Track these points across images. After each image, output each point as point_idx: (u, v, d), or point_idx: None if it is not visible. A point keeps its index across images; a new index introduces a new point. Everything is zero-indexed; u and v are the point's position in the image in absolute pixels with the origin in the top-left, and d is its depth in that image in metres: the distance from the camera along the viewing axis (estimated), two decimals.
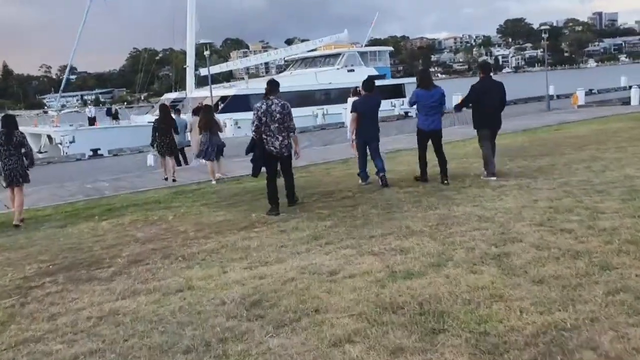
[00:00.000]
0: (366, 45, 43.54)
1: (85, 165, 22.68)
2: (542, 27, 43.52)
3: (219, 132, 12.40)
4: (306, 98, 33.65)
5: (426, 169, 8.76)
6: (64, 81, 35.27)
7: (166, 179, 12.15)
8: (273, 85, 7.71)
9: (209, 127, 12.01)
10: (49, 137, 30.02)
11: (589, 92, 34.62)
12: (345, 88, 35.37)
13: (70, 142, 28.30)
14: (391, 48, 46.90)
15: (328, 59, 39.39)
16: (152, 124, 13.10)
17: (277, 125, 7.45)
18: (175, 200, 9.30)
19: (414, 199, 7.42)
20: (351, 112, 9.15)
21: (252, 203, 8.36)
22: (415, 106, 8.92)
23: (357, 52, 39.34)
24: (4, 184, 8.59)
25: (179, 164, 14.06)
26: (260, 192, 9.32)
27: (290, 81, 35.11)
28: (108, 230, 7.35)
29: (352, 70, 37.40)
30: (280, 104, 7.52)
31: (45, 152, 30.16)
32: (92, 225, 7.78)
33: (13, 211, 8.64)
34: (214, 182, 11.88)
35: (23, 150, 8.60)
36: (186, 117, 16.85)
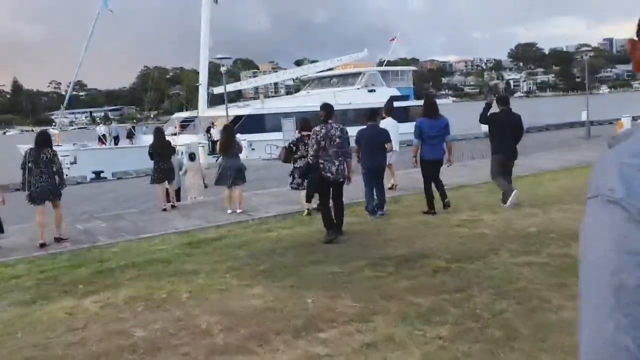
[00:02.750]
0: (385, 65, 41.44)
1: (85, 190, 20.38)
2: (582, 49, 41.24)
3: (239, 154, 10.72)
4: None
5: (433, 200, 8.63)
6: (67, 97, 33.07)
7: (165, 209, 10.99)
8: (329, 109, 7.68)
9: (228, 148, 10.38)
10: None
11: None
12: (366, 109, 33.23)
13: (72, 163, 26.03)
14: (414, 68, 44.83)
15: (347, 78, 37.28)
16: (148, 149, 11.51)
17: (335, 149, 7.33)
18: (190, 258, 6.87)
19: (552, 278, 4.93)
20: (354, 142, 9.04)
21: (298, 270, 5.93)
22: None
23: (379, 71, 37.20)
24: (27, 201, 8.53)
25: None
26: (302, 246, 6.93)
27: (307, 101, 32.97)
28: (92, 319, 4.92)
29: (373, 91, 35.24)
30: (339, 128, 7.47)
31: None
32: (71, 305, 5.34)
33: (39, 240, 8.34)
34: (229, 211, 10.10)
35: (54, 168, 8.50)
36: (182, 157, 14.89)
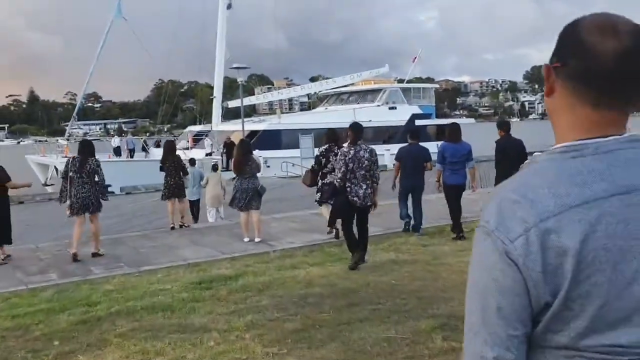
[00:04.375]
0: (407, 83, 40.14)
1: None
2: None
3: (257, 173, 9.25)
4: (343, 136, 30.02)
5: (460, 223, 8.52)
6: (77, 107, 32.10)
7: (173, 227, 10.36)
8: (358, 130, 7.22)
9: (242, 166, 9.00)
10: (56, 168, 26.72)
11: None
12: (386, 127, 31.81)
13: None
14: (437, 85, 43.52)
15: (367, 94, 36.02)
16: (159, 161, 11.03)
17: (363, 172, 6.95)
18: (199, 305, 5.43)
19: None
20: (395, 159, 9.31)
21: (341, 331, 4.47)
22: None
23: (400, 88, 35.91)
24: (68, 213, 8.16)
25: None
26: (341, 293, 5.50)
27: (325, 117, 31.72)
28: None
29: (394, 108, 33.93)
30: (368, 150, 7.08)
31: (52, 184, 26.84)
32: None
33: (69, 251, 8.13)
34: (246, 239, 8.85)
35: (96, 178, 8.16)
36: (201, 169, 13.96)
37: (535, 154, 1.04)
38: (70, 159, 8.42)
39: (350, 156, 6.91)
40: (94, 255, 8.14)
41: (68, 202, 8.12)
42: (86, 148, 8.41)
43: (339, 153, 7.28)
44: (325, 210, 8.80)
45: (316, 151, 10.97)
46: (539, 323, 0.92)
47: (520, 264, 0.89)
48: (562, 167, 0.94)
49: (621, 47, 0.92)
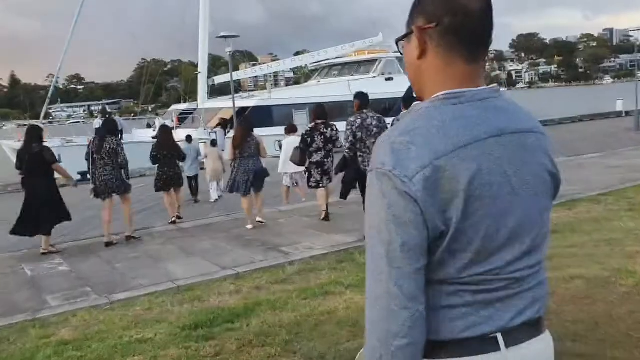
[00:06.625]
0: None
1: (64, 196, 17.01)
2: (584, 40, 37.72)
3: (260, 155, 8.31)
4: (338, 110, 27.92)
5: None
6: (51, 87, 29.68)
7: (173, 221, 9.15)
8: (364, 98, 7.14)
9: (242, 145, 8.09)
10: None
11: None
12: (383, 99, 29.82)
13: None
14: None
15: (361, 66, 33.98)
16: (151, 151, 9.45)
17: (373, 140, 6.56)
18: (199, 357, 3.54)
19: None
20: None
21: None
22: None
23: (396, 58, 33.78)
24: (92, 196, 7.91)
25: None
26: None
27: (319, 91, 29.68)
28: None
29: (391, 79, 31.93)
30: (376, 118, 6.98)
31: None
32: None
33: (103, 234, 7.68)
34: (249, 226, 8.06)
35: (119, 160, 7.70)
36: (198, 144, 13.00)
37: (415, 103, 1.10)
38: (92, 139, 8.06)
39: (357, 125, 6.78)
40: (128, 238, 7.83)
41: (92, 184, 7.86)
42: (105, 127, 8.07)
43: (346, 123, 6.99)
44: (322, 194, 8.31)
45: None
46: (435, 255, 1.01)
47: (419, 198, 0.96)
48: (446, 111, 1.04)
49: (482, 6, 1.08)
